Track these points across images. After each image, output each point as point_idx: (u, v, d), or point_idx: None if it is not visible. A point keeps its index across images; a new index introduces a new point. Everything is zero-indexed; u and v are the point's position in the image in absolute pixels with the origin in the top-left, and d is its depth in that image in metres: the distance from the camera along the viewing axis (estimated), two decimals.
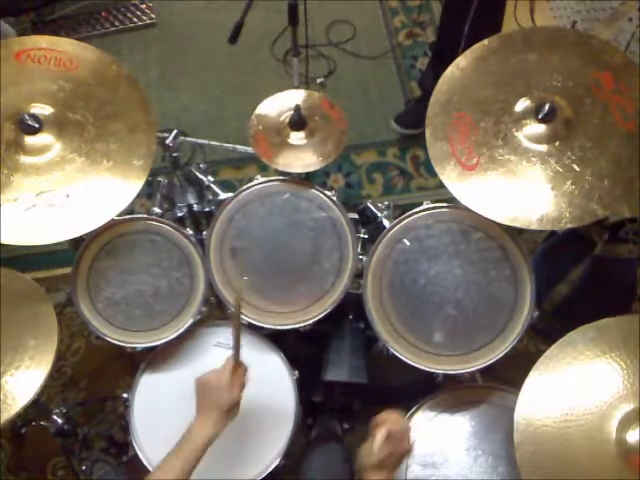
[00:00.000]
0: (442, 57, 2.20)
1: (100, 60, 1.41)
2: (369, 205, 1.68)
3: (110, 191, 1.31)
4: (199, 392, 1.21)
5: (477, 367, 1.38)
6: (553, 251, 1.90)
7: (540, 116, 1.28)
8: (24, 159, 1.30)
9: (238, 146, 1.83)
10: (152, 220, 1.49)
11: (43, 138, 1.31)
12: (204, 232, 1.51)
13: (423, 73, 2.50)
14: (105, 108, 1.36)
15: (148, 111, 1.38)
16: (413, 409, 1.43)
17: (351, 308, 1.60)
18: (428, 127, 1.36)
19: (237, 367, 1.23)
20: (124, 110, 1.37)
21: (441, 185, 1.33)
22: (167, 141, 1.66)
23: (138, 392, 1.48)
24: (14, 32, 2.58)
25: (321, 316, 1.46)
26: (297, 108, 1.46)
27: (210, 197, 1.78)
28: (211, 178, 1.79)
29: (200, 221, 1.78)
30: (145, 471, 1.39)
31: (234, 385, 1.20)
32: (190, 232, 1.50)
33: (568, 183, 1.26)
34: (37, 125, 1.30)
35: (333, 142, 1.49)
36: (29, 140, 1.31)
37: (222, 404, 1.18)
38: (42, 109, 1.33)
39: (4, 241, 1.25)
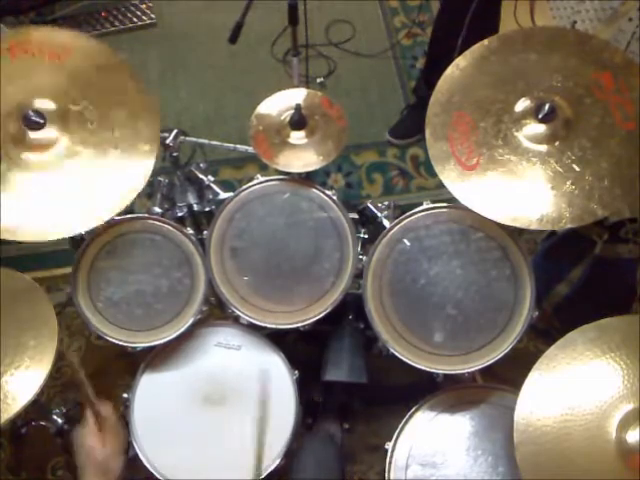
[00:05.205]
0: (434, 64, 2.21)
1: (93, 48, 1.38)
2: (369, 205, 1.68)
3: (121, 177, 1.30)
4: (78, 455, 1.22)
5: (477, 367, 1.38)
6: (553, 251, 1.90)
7: (540, 116, 1.28)
8: (27, 155, 1.29)
9: (238, 146, 1.83)
10: (152, 220, 1.49)
11: (47, 132, 1.30)
12: (204, 232, 1.51)
13: (417, 81, 2.50)
14: (105, 96, 1.34)
15: (147, 94, 1.35)
16: (413, 409, 1.43)
17: (351, 308, 1.60)
18: (428, 127, 1.36)
19: (101, 421, 1.24)
20: (124, 96, 1.35)
21: (441, 185, 1.32)
22: (167, 141, 1.66)
23: (138, 392, 1.48)
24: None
25: (321, 316, 1.46)
26: (298, 107, 1.46)
27: (210, 197, 1.78)
28: (211, 178, 1.79)
29: (200, 221, 1.78)
30: (145, 471, 1.39)
31: (104, 441, 1.22)
32: (190, 232, 1.50)
33: (568, 183, 1.26)
34: (42, 120, 1.28)
35: (333, 141, 1.48)
36: (33, 135, 1.29)
37: (96, 464, 1.19)
38: (43, 103, 1.31)
39: (4, 237, 1.25)
